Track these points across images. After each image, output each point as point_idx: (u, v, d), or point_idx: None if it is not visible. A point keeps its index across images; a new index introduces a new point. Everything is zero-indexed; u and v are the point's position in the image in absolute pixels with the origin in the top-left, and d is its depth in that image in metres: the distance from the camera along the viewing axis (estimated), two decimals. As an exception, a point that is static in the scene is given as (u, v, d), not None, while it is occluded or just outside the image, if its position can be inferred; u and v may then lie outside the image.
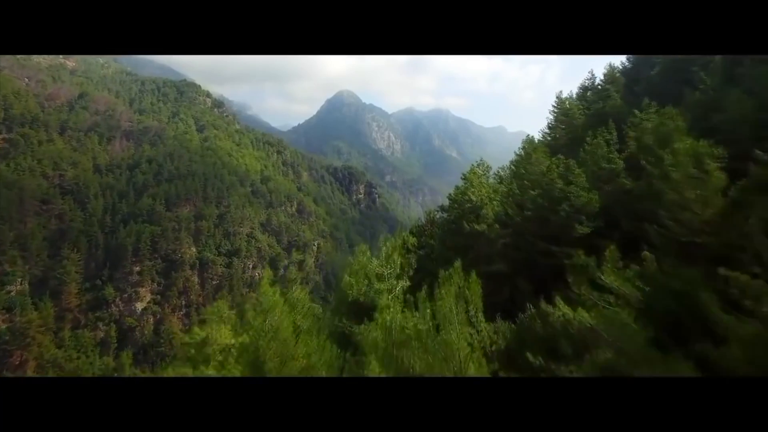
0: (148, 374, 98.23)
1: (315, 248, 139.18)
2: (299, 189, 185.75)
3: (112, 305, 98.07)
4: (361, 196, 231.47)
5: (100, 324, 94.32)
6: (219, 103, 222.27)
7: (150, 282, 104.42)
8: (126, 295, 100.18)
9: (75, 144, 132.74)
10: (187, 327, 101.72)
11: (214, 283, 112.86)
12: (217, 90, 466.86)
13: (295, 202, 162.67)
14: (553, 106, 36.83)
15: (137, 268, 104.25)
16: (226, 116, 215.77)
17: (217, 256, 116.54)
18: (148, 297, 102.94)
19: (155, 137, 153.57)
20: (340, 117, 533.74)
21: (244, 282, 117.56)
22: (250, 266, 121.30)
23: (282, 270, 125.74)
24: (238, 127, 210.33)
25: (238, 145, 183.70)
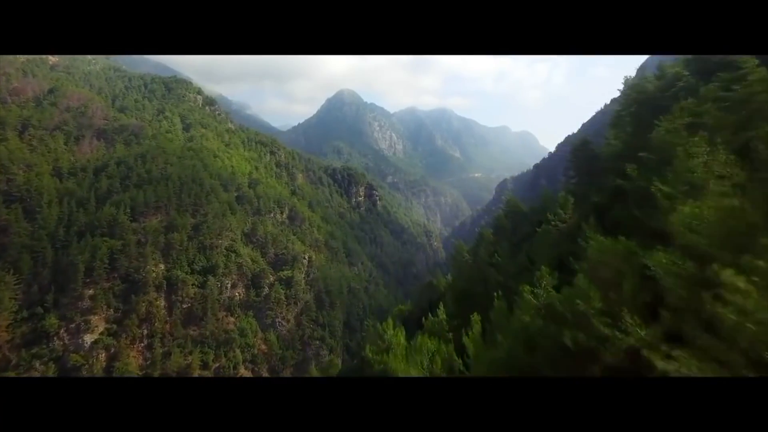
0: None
1: (305, 262, 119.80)
2: (293, 193, 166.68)
3: (55, 338, 79.04)
4: (361, 198, 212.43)
5: (37, 363, 75.32)
6: (210, 101, 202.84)
7: (104, 308, 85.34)
8: (73, 326, 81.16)
9: (35, 144, 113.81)
10: (149, 362, 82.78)
11: (184, 306, 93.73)
12: (215, 89, 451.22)
13: (286, 208, 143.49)
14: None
15: (90, 291, 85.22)
16: (219, 114, 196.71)
17: (190, 274, 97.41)
18: (101, 327, 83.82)
19: (131, 136, 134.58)
20: (341, 116, 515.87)
21: (221, 304, 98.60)
22: (228, 285, 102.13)
23: (266, 289, 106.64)
24: (230, 126, 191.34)
25: (226, 145, 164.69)
